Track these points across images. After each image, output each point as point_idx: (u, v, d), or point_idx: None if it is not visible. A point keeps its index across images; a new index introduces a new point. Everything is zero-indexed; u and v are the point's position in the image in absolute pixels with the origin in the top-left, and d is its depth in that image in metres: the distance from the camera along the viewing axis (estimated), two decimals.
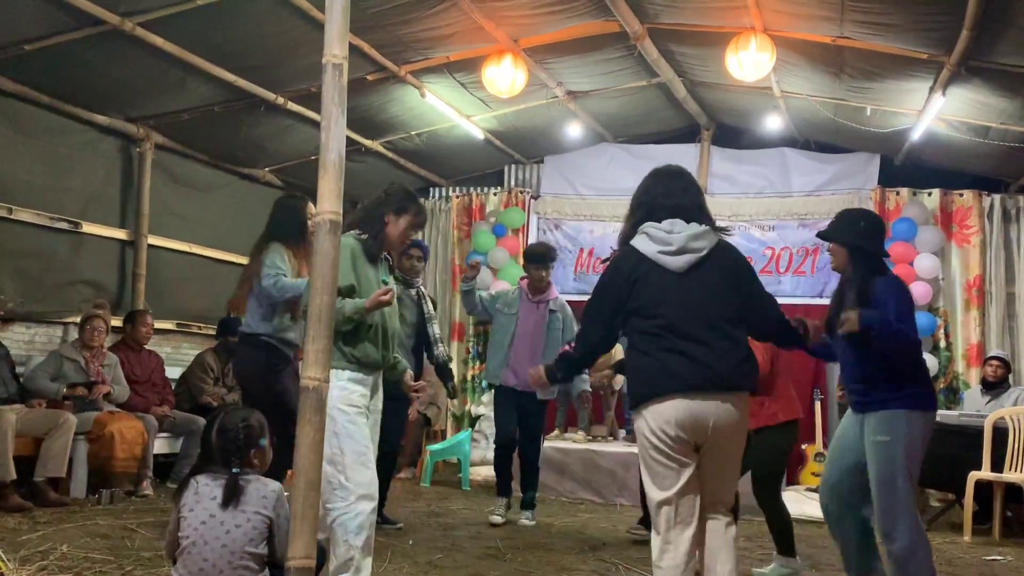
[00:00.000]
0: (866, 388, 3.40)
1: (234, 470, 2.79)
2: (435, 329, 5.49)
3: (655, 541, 2.92)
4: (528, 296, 5.81)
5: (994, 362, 7.00)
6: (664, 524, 2.90)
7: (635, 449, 6.76)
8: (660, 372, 2.90)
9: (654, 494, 2.92)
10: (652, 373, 2.92)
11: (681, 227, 3.04)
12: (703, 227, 3.09)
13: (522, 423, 5.74)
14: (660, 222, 3.05)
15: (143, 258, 7.36)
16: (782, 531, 4.39)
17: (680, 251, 3.00)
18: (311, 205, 4.46)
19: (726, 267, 3.08)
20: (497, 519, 5.63)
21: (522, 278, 6.14)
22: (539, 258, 5.80)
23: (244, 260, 8.48)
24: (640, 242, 3.04)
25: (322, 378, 2.94)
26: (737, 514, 3.27)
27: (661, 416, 2.87)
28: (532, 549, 4.80)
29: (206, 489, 2.79)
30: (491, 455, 8.34)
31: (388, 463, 5.10)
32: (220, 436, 2.84)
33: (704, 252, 3.03)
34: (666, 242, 3.00)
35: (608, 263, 3.18)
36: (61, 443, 5.47)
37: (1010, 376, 7.18)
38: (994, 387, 6.85)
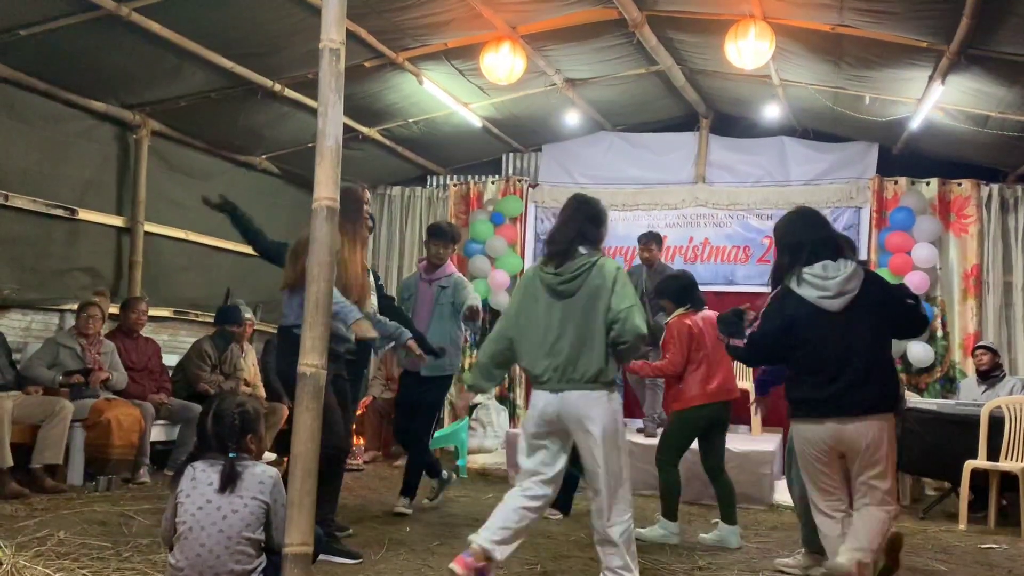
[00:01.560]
0: None
1: (231, 455, 2.80)
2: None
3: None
4: (423, 275, 5.66)
5: (979, 352, 7.02)
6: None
7: (637, 439, 6.79)
8: (818, 399, 3.45)
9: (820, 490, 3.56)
10: (811, 398, 3.47)
11: (833, 270, 3.47)
12: (852, 266, 3.50)
13: (415, 404, 5.49)
14: (811, 264, 3.49)
15: (140, 245, 7.33)
16: (669, 495, 4.98)
17: (837, 295, 3.44)
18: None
19: (876, 301, 3.50)
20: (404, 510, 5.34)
21: (420, 260, 6.03)
22: (440, 233, 5.61)
23: (240, 248, 8.55)
24: (803, 289, 3.48)
25: (319, 364, 2.94)
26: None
27: (815, 434, 3.47)
28: (530, 537, 4.79)
29: (203, 475, 2.79)
30: (489, 443, 8.39)
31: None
32: (215, 422, 2.85)
33: (856, 291, 3.46)
34: (824, 288, 3.45)
35: (771, 301, 3.61)
36: (58, 430, 5.47)
37: (1004, 364, 7.19)
38: (989, 376, 6.86)
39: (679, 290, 5.36)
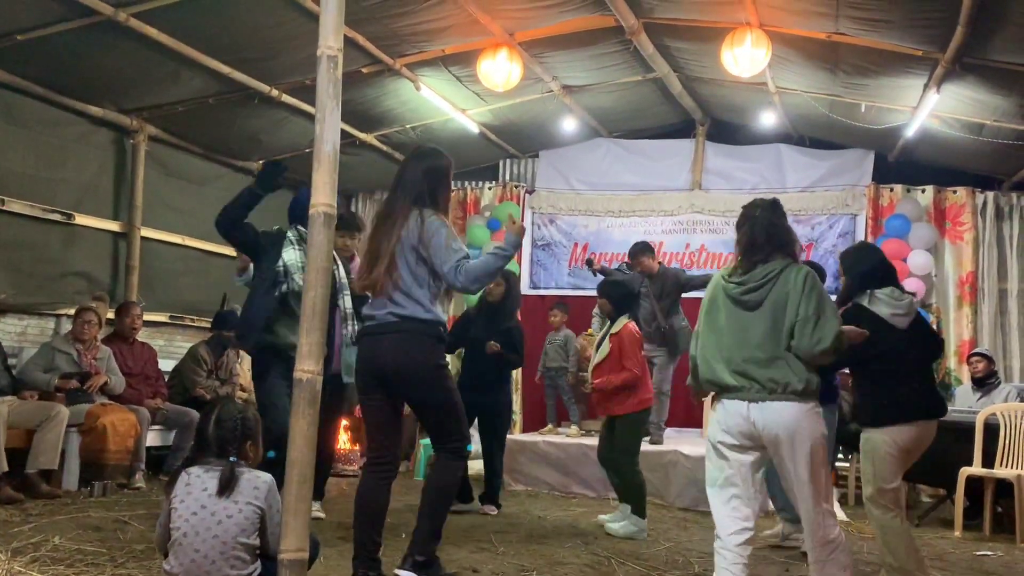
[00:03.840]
0: None
1: (231, 459, 2.80)
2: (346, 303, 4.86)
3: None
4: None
5: (974, 359, 7.03)
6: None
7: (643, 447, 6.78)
8: (893, 404, 3.77)
9: (891, 483, 3.76)
10: (901, 403, 3.78)
11: (900, 295, 3.90)
12: (912, 294, 4.12)
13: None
14: (879, 288, 3.88)
15: (136, 250, 7.34)
16: (640, 495, 5.24)
17: (907, 314, 3.86)
18: None
19: (921, 323, 4.06)
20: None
21: None
22: (345, 224, 5.17)
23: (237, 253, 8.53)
24: (876, 307, 3.84)
25: (315, 371, 2.94)
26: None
27: (904, 435, 3.76)
28: (525, 543, 4.80)
29: (197, 481, 2.79)
30: None
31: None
32: (217, 426, 2.85)
33: (915, 314, 3.95)
34: (898, 307, 3.84)
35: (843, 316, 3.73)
36: (53, 435, 5.46)
37: (998, 371, 7.21)
38: (984, 383, 6.88)
39: (624, 297, 5.54)
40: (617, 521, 5.27)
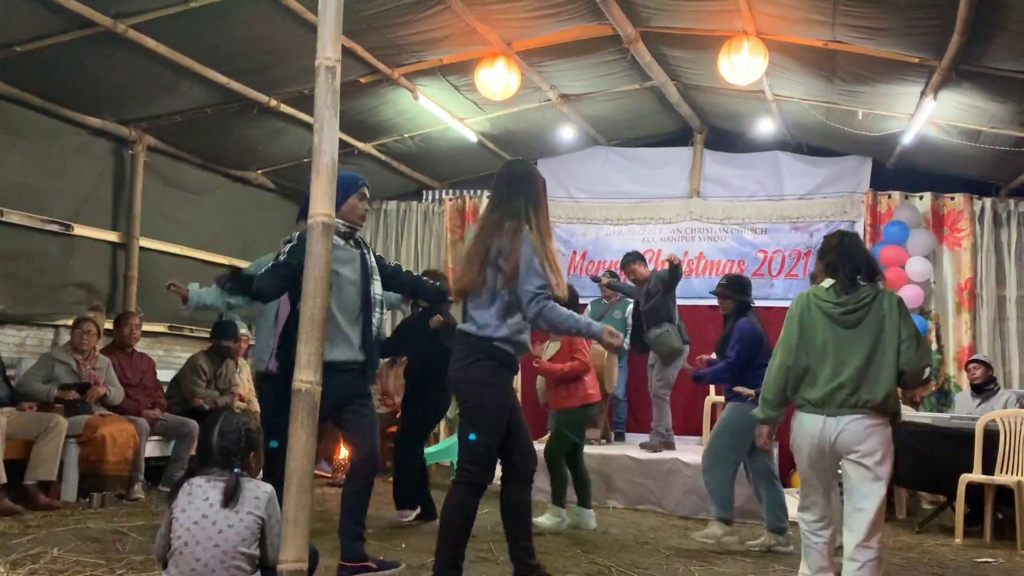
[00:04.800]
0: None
1: (235, 470, 2.81)
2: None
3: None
4: None
5: (973, 365, 7.03)
6: None
7: (628, 451, 6.78)
8: None
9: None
10: None
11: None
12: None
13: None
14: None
15: (135, 260, 7.34)
16: (561, 486, 5.70)
17: None
18: None
19: None
20: None
21: None
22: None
23: (237, 263, 8.53)
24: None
25: (314, 381, 2.94)
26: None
27: None
28: None
29: (199, 491, 2.79)
30: None
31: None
32: (221, 437, 2.87)
33: None
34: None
35: None
36: (52, 446, 5.45)
37: (997, 377, 7.21)
38: (983, 390, 6.88)
39: (571, 301, 5.70)
40: (550, 518, 5.62)
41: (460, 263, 3.66)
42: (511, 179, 3.71)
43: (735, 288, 5.44)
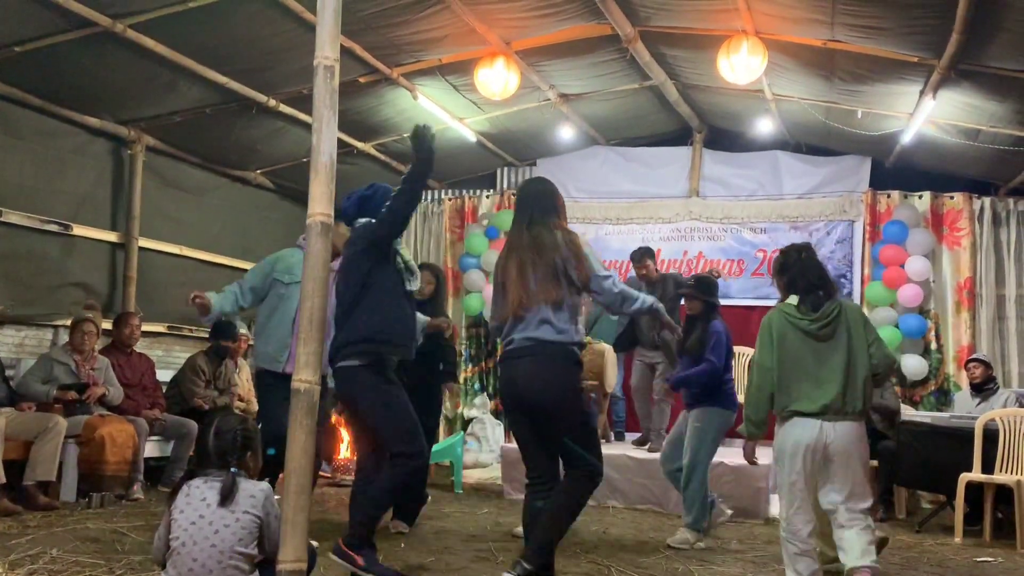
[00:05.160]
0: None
1: (232, 470, 2.82)
2: None
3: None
4: None
5: (972, 364, 7.03)
6: None
7: (627, 451, 6.78)
8: None
9: None
10: None
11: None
12: None
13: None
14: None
15: (134, 261, 7.33)
16: None
17: None
18: None
19: None
20: None
21: None
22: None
23: (236, 263, 8.55)
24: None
25: (313, 380, 2.94)
26: None
27: None
28: (520, 552, 4.78)
29: (197, 491, 2.81)
30: (484, 458, 8.37)
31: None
32: (217, 437, 2.88)
33: None
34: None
35: None
36: (51, 447, 5.44)
37: (997, 377, 7.21)
38: (982, 389, 6.87)
39: None
40: None
41: (517, 284, 3.69)
42: (540, 198, 3.92)
43: (703, 289, 5.38)
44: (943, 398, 8.08)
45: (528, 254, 3.72)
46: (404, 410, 3.94)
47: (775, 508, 6.22)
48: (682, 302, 6.00)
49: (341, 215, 4.09)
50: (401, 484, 3.92)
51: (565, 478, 3.75)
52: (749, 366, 4.06)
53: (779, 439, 3.85)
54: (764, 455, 6.98)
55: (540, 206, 3.87)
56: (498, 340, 3.88)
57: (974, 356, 7.26)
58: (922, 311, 8.16)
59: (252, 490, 2.83)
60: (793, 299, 3.94)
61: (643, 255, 7.22)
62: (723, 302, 8.51)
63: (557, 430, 3.65)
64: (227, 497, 2.76)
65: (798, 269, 3.97)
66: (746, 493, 6.18)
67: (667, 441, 5.63)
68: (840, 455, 3.78)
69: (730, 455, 6.13)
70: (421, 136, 4.05)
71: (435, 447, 7.77)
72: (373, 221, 4.05)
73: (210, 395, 6.85)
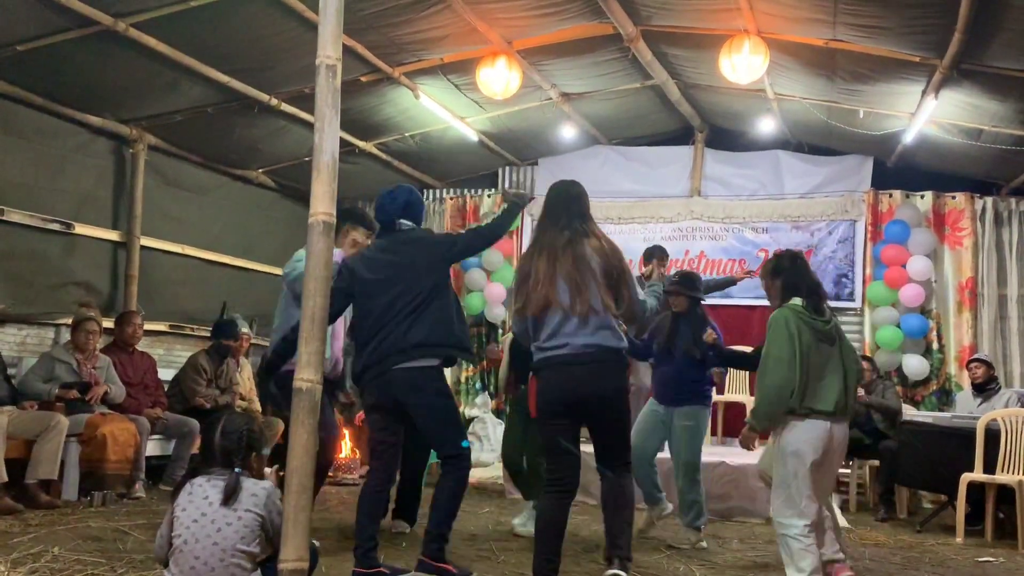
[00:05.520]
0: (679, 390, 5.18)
1: (236, 470, 2.84)
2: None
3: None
4: None
5: (974, 364, 7.03)
6: None
7: None
8: None
9: None
10: None
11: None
12: None
13: None
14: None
15: (136, 260, 7.34)
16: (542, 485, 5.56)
17: None
18: None
19: None
20: None
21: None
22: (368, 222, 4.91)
23: (237, 262, 8.56)
24: None
25: (315, 380, 2.94)
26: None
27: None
28: (526, 551, 4.78)
29: (200, 490, 2.82)
30: (485, 457, 8.37)
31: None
32: (223, 437, 2.91)
33: None
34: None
35: None
36: (53, 445, 5.45)
37: (998, 377, 7.21)
38: (984, 389, 6.87)
39: None
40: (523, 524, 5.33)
41: (567, 292, 3.68)
42: (578, 200, 3.97)
43: (688, 284, 5.34)
44: (945, 398, 8.07)
45: (575, 259, 3.71)
46: (458, 412, 4.17)
47: None
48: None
49: (380, 214, 4.18)
50: (466, 482, 4.12)
51: (612, 480, 3.80)
52: (762, 361, 3.97)
53: (792, 437, 3.85)
54: (755, 452, 6.98)
55: (579, 210, 3.90)
56: (513, 337, 3.91)
57: (976, 356, 7.25)
58: (924, 311, 8.16)
59: (254, 489, 2.85)
60: (797, 300, 3.98)
61: (662, 255, 7.05)
62: (724, 302, 8.65)
63: (613, 432, 3.77)
64: (230, 497, 2.78)
65: (797, 272, 4.05)
66: (746, 493, 6.18)
67: (636, 433, 5.28)
68: (836, 456, 3.92)
69: (731, 455, 6.13)
70: (519, 203, 4.50)
71: None
72: (449, 233, 4.33)
73: (211, 394, 6.85)
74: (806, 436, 3.82)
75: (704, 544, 5.10)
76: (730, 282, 7.22)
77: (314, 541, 3.12)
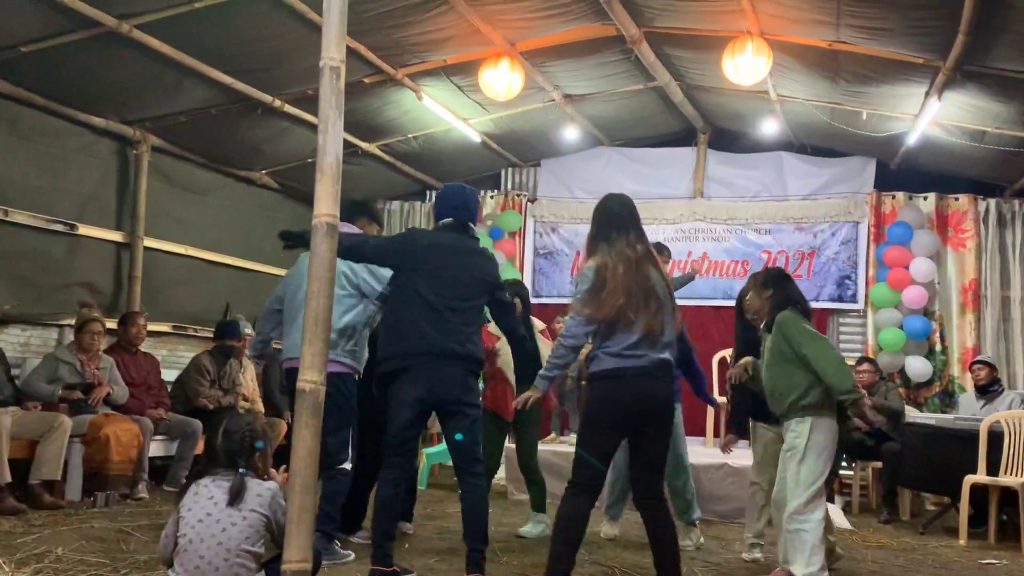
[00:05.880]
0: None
1: (240, 470, 2.85)
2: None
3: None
4: None
5: (977, 366, 7.02)
6: None
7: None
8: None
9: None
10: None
11: None
12: None
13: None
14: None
15: (139, 260, 7.34)
16: (544, 491, 5.52)
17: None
18: None
19: None
20: None
21: None
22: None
23: (241, 263, 8.56)
24: None
25: (319, 381, 2.94)
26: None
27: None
28: (527, 552, 4.79)
29: (205, 490, 2.83)
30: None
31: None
32: (225, 438, 2.93)
33: None
34: None
35: None
36: (56, 446, 5.46)
37: (1001, 379, 7.21)
38: (987, 391, 6.86)
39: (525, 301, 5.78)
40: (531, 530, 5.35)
41: (644, 305, 3.70)
42: (636, 217, 4.02)
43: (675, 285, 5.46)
44: (948, 400, 8.06)
45: (649, 276, 3.79)
46: None
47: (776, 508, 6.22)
48: None
49: (459, 211, 4.20)
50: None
51: (660, 514, 3.75)
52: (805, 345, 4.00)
53: (821, 436, 3.97)
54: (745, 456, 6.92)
55: (640, 227, 3.96)
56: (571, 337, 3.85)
57: (979, 358, 7.25)
58: (927, 313, 8.15)
59: (259, 489, 2.86)
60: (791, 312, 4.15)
61: (669, 254, 7.03)
62: (727, 303, 8.64)
63: (662, 442, 3.79)
64: (235, 497, 2.79)
65: (790, 287, 4.26)
66: (747, 494, 6.17)
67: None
68: None
69: (734, 457, 6.10)
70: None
71: (437, 447, 7.80)
72: (504, 286, 4.50)
73: (215, 395, 6.86)
74: (832, 435, 4.00)
75: (702, 540, 5.15)
76: (690, 278, 7.10)
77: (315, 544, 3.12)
